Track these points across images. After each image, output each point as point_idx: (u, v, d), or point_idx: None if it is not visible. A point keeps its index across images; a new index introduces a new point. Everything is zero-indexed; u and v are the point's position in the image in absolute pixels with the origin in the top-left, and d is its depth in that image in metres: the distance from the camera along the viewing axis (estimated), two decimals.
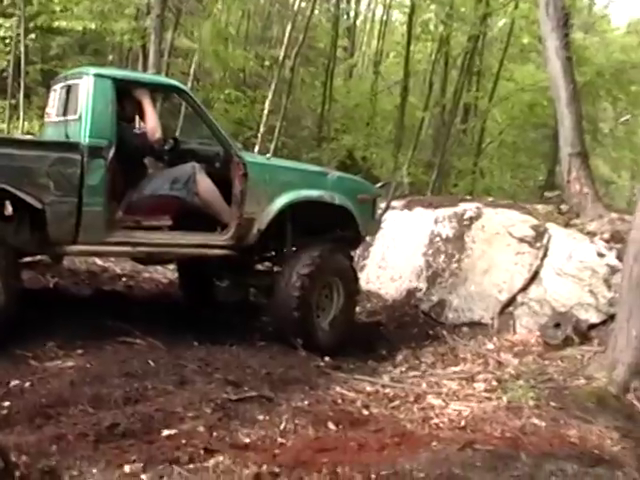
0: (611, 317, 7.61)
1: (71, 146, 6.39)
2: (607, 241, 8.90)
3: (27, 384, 5.43)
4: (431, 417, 5.50)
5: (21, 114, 13.28)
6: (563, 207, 10.29)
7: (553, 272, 8.55)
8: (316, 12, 22.28)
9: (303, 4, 15.93)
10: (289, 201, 7.31)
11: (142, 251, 6.92)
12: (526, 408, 5.74)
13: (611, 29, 29.34)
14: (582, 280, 8.39)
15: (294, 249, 7.59)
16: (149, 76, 8.35)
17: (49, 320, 6.92)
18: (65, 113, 6.97)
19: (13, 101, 14.81)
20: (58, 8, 13.79)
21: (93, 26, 13.88)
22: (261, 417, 5.11)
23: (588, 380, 6.43)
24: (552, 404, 5.85)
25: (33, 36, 14.39)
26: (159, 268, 10.08)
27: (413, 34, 22.65)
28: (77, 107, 6.61)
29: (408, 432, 5.07)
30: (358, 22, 29.12)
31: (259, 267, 8.25)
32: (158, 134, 6.98)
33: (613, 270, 8.34)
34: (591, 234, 9.09)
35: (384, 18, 27.20)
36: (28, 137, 7.02)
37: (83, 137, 6.38)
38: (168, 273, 9.86)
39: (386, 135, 24.24)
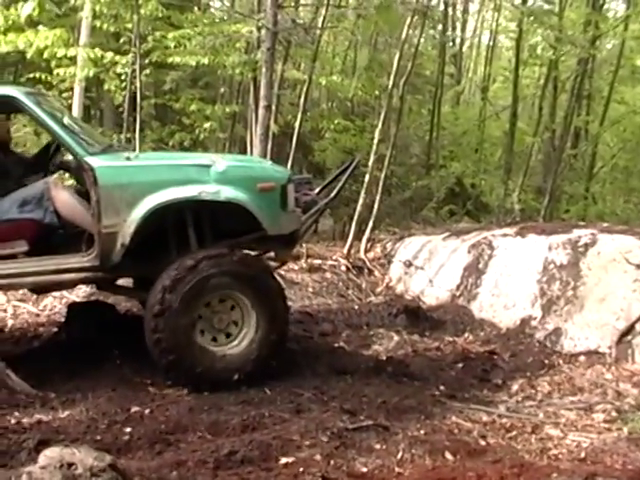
0: None
1: None
2: None
3: (147, 411, 5.62)
4: (549, 448, 5.43)
5: (137, 147, 13.62)
6: None
7: None
8: (422, 40, 22.33)
9: (410, 32, 15.97)
10: (154, 206, 6.29)
11: None
12: None
13: None
14: None
15: None
16: None
17: None
18: None
19: (128, 135, 15.25)
20: (172, 44, 14.18)
21: (206, 61, 14.20)
22: (377, 446, 5.12)
23: None
24: None
25: (147, 71, 14.80)
26: None
27: (521, 59, 22.45)
28: None
29: (527, 463, 5.00)
30: (464, 48, 29.04)
31: None
32: None
33: None
34: None
35: (490, 43, 27.07)
36: None
37: None
38: None
39: (495, 161, 24.03)
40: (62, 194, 6.56)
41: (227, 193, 6.46)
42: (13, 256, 6.35)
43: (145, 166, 6.77)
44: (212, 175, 6.55)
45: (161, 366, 6.32)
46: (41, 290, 7.57)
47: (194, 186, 6.42)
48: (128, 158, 6.66)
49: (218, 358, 6.37)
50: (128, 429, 5.26)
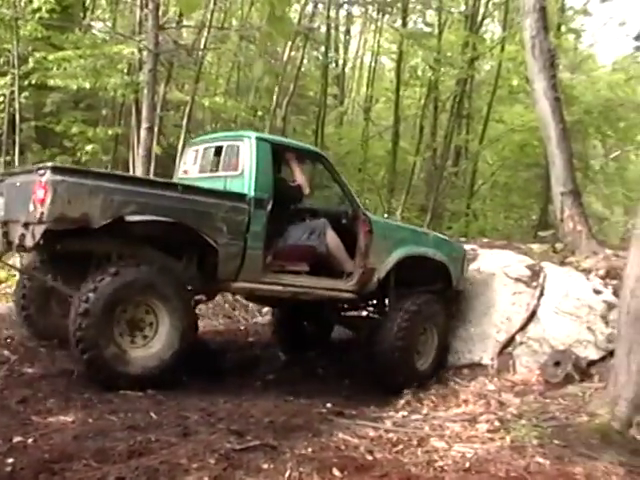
0: (610, 353, 7.63)
1: (241, 197, 7.32)
2: (603, 277, 8.97)
3: (30, 440, 5.38)
4: (435, 460, 5.47)
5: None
6: (558, 245, 10.38)
7: (551, 311, 8.59)
8: (305, 61, 22.47)
9: (293, 53, 16.12)
10: (404, 255, 8.37)
11: (290, 291, 7.76)
12: (530, 447, 5.73)
13: (597, 67, 29.48)
14: (580, 317, 8.44)
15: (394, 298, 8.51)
16: (296, 142, 9.58)
17: (50, 374, 6.92)
18: (216, 170, 8.04)
19: (8, 158, 14.87)
20: (53, 66, 13.84)
21: (87, 85, 13.89)
22: (265, 466, 5.06)
23: (591, 417, 6.42)
24: (556, 442, 5.85)
25: (27, 93, 14.47)
26: None
27: (402, 79, 22.83)
28: (238, 165, 7.60)
29: (413, 476, 5.04)
30: (347, 69, 29.31)
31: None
32: (308, 189, 8.23)
33: (610, 306, 8.40)
34: (587, 271, 9.17)
35: (372, 65, 27.44)
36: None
37: (248, 190, 7.36)
38: None
39: (379, 180, 24.30)
40: (333, 233, 8.15)
41: (440, 255, 8.76)
42: (297, 273, 7.87)
43: (398, 225, 9.50)
44: (430, 241, 8.89)
45: (392, 364, 8.14)
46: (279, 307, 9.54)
47: (423, 247, 8.70)
48: (386, 218, 9.00)
49: (419, 372, 8.39)
50: (11, 460, 5.04)
